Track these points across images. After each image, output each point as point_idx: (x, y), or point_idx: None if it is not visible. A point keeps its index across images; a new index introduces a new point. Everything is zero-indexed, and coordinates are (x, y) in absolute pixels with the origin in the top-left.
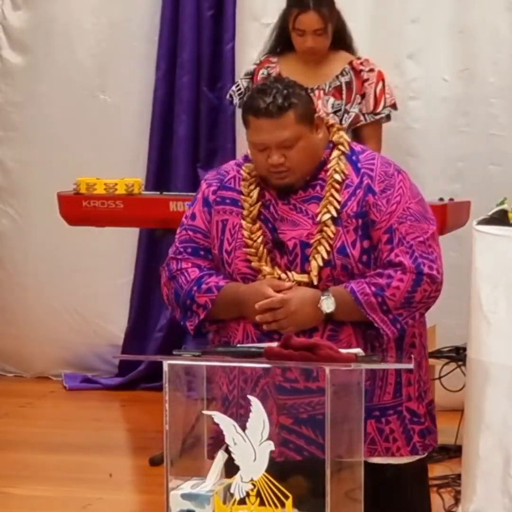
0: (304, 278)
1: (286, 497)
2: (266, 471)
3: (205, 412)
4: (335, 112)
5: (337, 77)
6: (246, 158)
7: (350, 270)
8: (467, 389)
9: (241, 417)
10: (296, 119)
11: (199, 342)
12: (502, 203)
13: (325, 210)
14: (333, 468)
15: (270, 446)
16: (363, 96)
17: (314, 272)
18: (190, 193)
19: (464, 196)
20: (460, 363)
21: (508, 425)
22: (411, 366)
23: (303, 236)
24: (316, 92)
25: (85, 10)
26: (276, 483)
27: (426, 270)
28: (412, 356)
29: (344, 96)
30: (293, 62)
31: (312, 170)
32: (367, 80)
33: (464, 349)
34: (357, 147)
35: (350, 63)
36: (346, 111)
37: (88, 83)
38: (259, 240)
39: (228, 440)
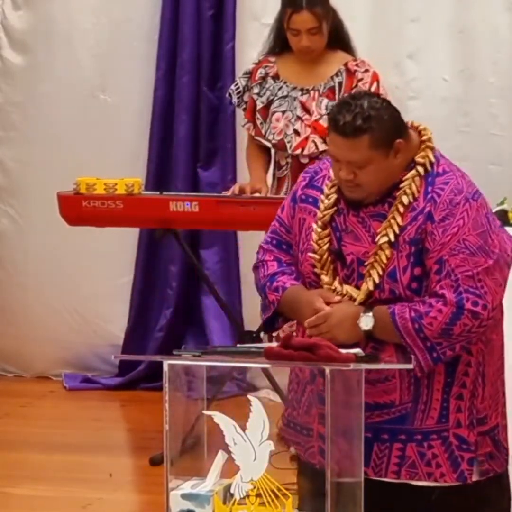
0: (356, 294)
1: (286, 497)
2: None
3: (205, 412)
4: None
5: (332, 78)
6: None
7: (398, 295)
8: None
9: (294, 419)
10: (370, 144)
11: (199, 343)
12: (502, 203)
13: (384, 232)
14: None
15: (270, 446)
16: None
17: (361, 296)
18: (190, 193)
19: None
20: None
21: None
22: (411, 366)
23: (360, 253)
24: (312, 93)
25: (85, 10)
26: (276, 483)
27: (468, 305)
28: (412, 358)
29: (337, 97)
30: (291, 62)
31: (383, 190)
32: (361, 80)
33: None
34: (441, 167)
35: (345, 64)
36: None
37: (88, 83)
38: (325, 247)
39: (228, 440)
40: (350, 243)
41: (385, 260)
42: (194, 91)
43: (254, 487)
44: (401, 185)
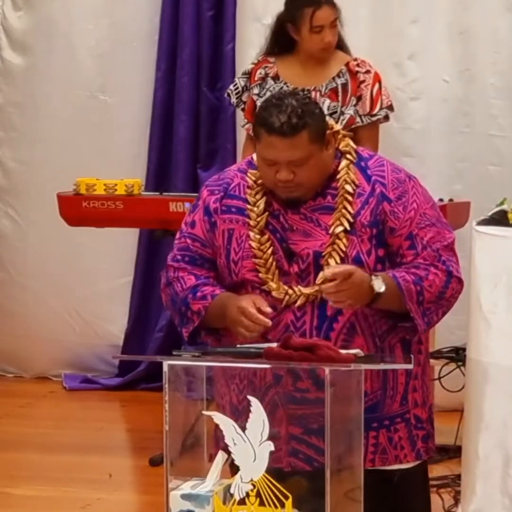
0: (312, 291)
1: (286, 497)
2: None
3: (205, 412)
4: (331, 114)
5: (333, 78)
6: (250, 164)
7: None
8: (467, 390)
9: None
10: (309, 139)
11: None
12: (501, 203)
13: (338, 222)
14: (333, 468)
15: (270, 446)
16: (359, 98)
17: (318, 282)
18: (190, 194)
19: (464, 196)
20: (459, 363)
21: (508, 425)
22: (411, 366)
23: (316, 246)
24: (313, 93)
25: (86, 10)
26: (276, 484)
27: (454, 272)
28: (411, 357)
29: (340, 98)
30: (291, 63)
31: (321, 183)
32: (363, 81)
33: (464, 349)
34: (364, 152)
35: (347, 65)
36: (342, 113)
37: (88, 84)
38: (269, 251)
39: (228, 440)
40: (300, 240)
41: (343, 248)
42: (194, 91)
43: (254, 487)
44: (338, 176)
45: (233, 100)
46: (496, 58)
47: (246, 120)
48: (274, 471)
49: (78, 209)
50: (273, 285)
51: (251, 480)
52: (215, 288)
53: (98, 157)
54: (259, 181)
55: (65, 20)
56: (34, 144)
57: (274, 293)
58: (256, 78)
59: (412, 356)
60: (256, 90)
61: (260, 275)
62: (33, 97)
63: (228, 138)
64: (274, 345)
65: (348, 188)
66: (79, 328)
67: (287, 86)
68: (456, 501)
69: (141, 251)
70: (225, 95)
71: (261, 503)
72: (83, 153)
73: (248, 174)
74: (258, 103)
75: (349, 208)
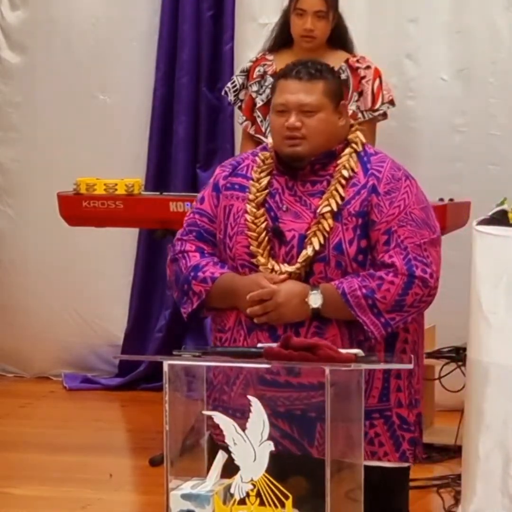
0: (294, 268)
1: (286, 497)
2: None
3: (205, 412)
4: None
5: None
6: (264, 149)
7: (344, 268)
8: (467, 389)
9: (223, 403)
10: (324, 91)
11: (199, 343)
12: (501, 203)
13: (326, 203)
14: (333, 468)
15: (270, 446)
16: (360, 93)
17: (301, 260)
18: (190, 194)
19: (464, 196)
20: (460, 363)
21: (508, 425)
22: (411, 366)
23: (303, 229)
24: None
25: (84, 10)
26: (276, 483)
27: (418, 272)
28: (411, 357)
29: None
30: (289, 59)
31: (324, 147)
32: (364, 77)
33: (464, 349)
34: (371, 149)
35: (347, 61)
36: None
37: (88, 83)
38: (263, 226)
39: (228, 440)
40: (290, 221)
41: (327, 228)
42: (193, 91)
43: (254, 487)
44: (339, 161)
45: (231, 97)
46: (495, 57)
47: (244, 117)
48: None
49: (78, 209)
50: (261, 259)
51: (251, 480)
52: (216, 269)
53: (98, 157)
54: (268, 161)
55: (64, 19)
56: (33, 144)
57: (261, 268)
58: (254, 76)
59: (412, 356)
60: (255, 87)
61: (251, 248)
62: (32, 97)
63: (227, 138)
64: (274, 345)
65: (344, 173)
66: (79, 328)
67: None
68: (457, 501)
69: (141, 251)
70: (223, 92)
71: (261, 503)
72: (83, 153)
73: (259, 154)
74: (258, 100)
75: (340, 191)
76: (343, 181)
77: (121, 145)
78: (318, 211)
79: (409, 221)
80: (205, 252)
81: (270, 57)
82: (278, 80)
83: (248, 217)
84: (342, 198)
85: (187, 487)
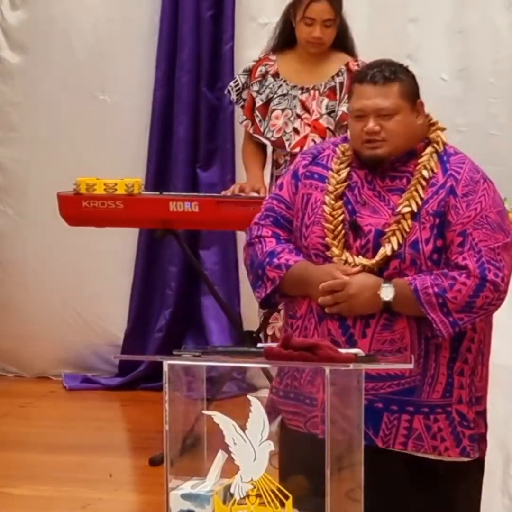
0: (369, 263)
1: (286, 497)
2: None
3: (205, 412)
4: (329, 114)
5: (332, 77)
6: (345, 139)
7: (419, 266)
8: None
9: (295, 389)
10: (400, 93)
11: (199, 343)
12: None
13: (406, 203)
14: (333, 468)
15: (270, 446)
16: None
17: (377, 258)
18: (190, 194)
19: None
20: None
21: (508, 425)
22: (411, 366)
23: (380, 224)
24: (312, 92)
25: (84, 9)
26: (276, 483)
27: (490, 276)
28: (411, 357)
29: (338, 97)
30: (291, 60)
31: (404, 148)
32: None
33: None
34: (451, 149)
35: (347, 64)
36: (338, 110)
37: (88, 83)
38: (340, 218)
39: (228, 440)
40: (367, 215)
41: (407, 229)
42: (193, 91)
43: (254, 487)
44: (420, 160)
45: (233, 96)
46: (495, 57)
47: (245, 117)
48: (310, 436)
49: (78, 209)
50: (335, 251)
51: (251, 480)
52: (291, 256)
53: (98, 157)
54: (348, 153)
55: (64, 19)
56: (34, 144)
57: (335, 259)
58: (256, 75)
59: (412, 356)
60: (255, 87)
61: (327, 239)
62: (32, 96)
63: (228, 138)
64: (274, 345)
65: (425, 173)
66: (79, 328)
67: (287, 84)
68: None
69: (141, 251)
70: (225, 91)
71: (261, 503)
72: (83, 153)
73: (339, 146)
74: (257, 100)
75: (420, 191)
76: (423, 182)
77: (121, 145)
78: (398, 210)
79: (484, 224)
80: (281, 238)
81: (273, 57)
82: (354, 84)
83: (326, 208)
84: (421, 198)
85: (187, 487)
